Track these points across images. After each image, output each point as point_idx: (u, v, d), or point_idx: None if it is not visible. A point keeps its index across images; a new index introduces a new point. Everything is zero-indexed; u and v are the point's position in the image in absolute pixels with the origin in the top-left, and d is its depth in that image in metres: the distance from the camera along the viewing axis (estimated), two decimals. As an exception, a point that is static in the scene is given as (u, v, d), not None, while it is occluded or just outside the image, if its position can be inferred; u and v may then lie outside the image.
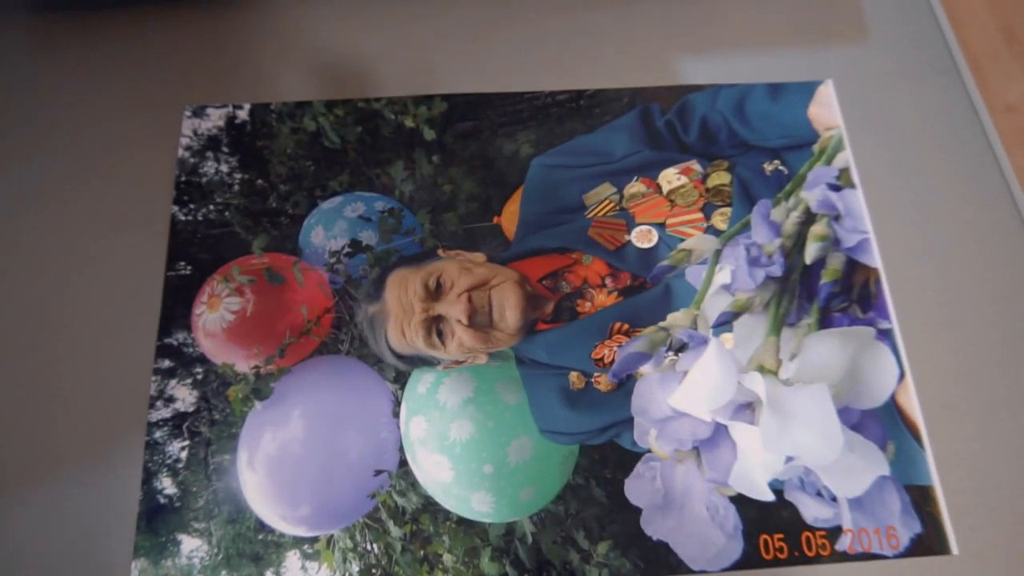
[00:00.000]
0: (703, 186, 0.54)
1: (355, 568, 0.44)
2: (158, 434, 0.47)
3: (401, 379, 0.48)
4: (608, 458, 0.46)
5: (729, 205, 0.53)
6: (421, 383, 0.48)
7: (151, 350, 0.49)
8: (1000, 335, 0.52)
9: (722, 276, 0.52)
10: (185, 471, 0.46)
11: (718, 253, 0.52)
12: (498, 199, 0.53)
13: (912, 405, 0.48)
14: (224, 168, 0.54)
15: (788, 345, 0.49)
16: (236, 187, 0.53)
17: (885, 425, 0.47)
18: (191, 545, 0.45)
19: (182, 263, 0.51)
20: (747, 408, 0.48)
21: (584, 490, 0.46)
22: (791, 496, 0.46)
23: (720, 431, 0.47)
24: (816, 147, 0.55)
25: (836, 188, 0.54)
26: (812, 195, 0.53)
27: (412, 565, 0.44)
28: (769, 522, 0.45)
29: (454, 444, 0.47)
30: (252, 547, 0.44)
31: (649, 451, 0.47)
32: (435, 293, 0.50)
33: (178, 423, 0.47)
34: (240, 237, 0.52)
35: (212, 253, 0.51)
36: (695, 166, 0.54)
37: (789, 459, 0.46)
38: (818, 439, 0.46)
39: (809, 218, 0.53)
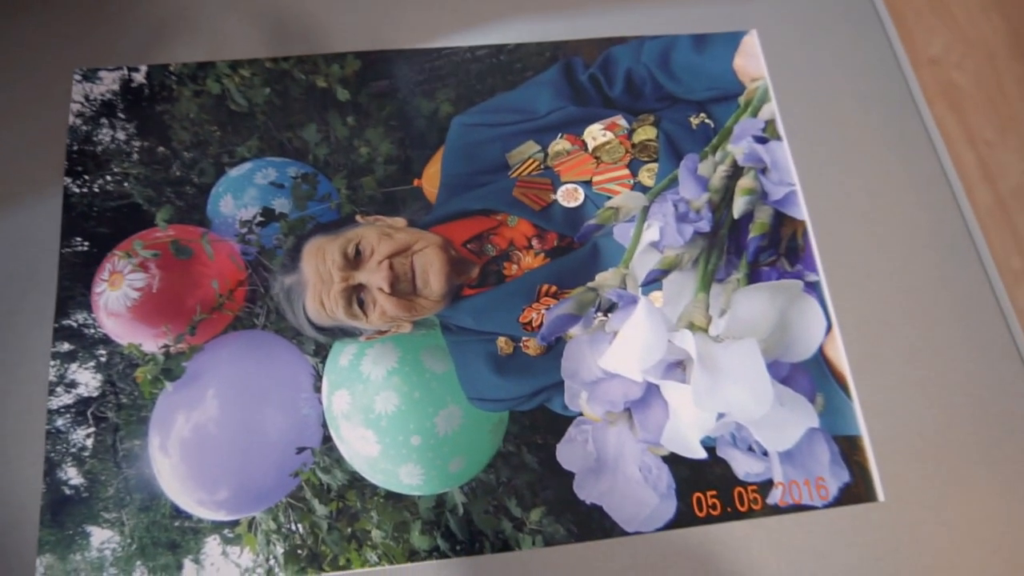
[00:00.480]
0: (629, 142, 0.53)
1: (279, 550, 0.42)
2: (60, 422, 0.44)
3: (322, 352, 0.46)
4: (539, 424, 0.45)
5: (656, 160, 0.52)
6: (343, 355, 0.46)
7: (48, 333, 0.46)
8: (923, 284, 0.53)
9: (650, 233, 0.50)
10: (92, 459, 0.43)
11: (646, 210, 0.51)
12: (418, 161, 0.51)
13: (839, 357, 0.48)
14: (121, 136, 0.50)
15: (718, 301, 0.49)
16: (135, 156, 0.50)
17: (814, 378, 0.47)
18: (102, 537, 0.42)
19: (78, 239, 0.47)
20: (678, 366, 0.47)
21: (515, 457, 0.45)
22: (723, 453, 0.46)
23: (651, 391, 0.47)
24: (742, 99, 0.54)
25: (762, 140, 0.53)
26: (739, 148, 0.52)
27: (340, 543, 0.43)
28: (702, 480, 0.45)
29: (380, 417, 0.45)
30: (168, 535, 0.42)
31: (580, 415, 0.46)
32: (354, 261, 0.48)
33: (82, 409, 0.44)
34: (142, 209, 0.48)
35: (111, 227, 0.48)
36: (620, 121, 0.53)
37: (720, 416, 0.46)
38: (749, 394, 0.46)
39: (736, 172, 0.52)
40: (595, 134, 0.53)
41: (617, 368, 0.46)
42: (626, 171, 0.52)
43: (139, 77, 0.52)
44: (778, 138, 0.53)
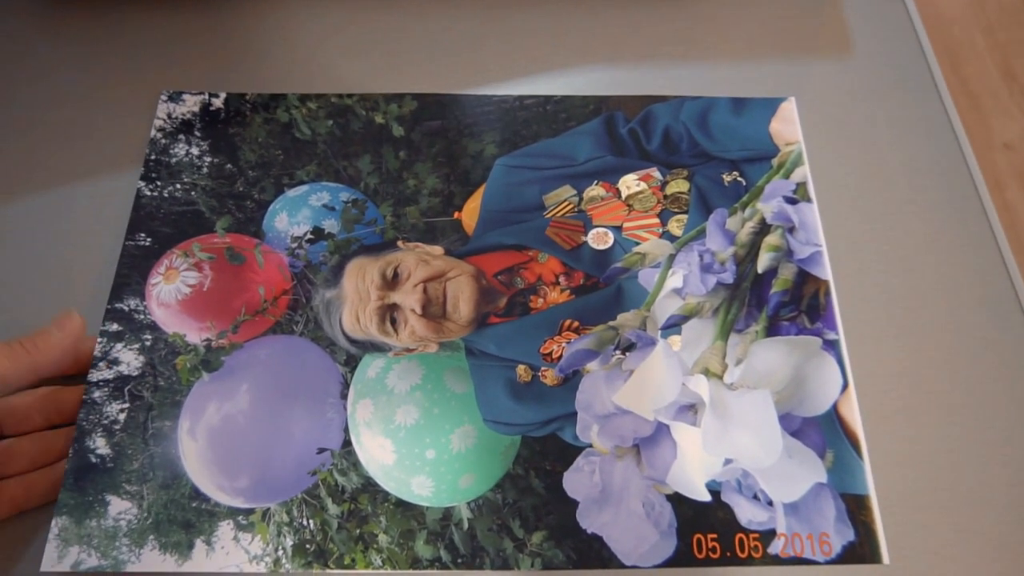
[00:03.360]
0: (661, 193, 0.55)
1: (289, 542, 0.44)
2: (97, 394, 0.47)
3: (352, 363, 0.49)
4: (549, 451, 0.47)
5: (686, 212, 0.54)
6: (371, 368, 0.49)
7: (101, 312, 0.50)
8: (944, 349, 0.53)
9: (674, 280, 0.53)
10: (121, 433, 0.46)
11: (671, 258, 0.53)
12: (460, 195, 0.54)
13: (853, 416, 0.49)
14: (195, 151, 0.55)
15: (735, 350, 0.50)
16: (205, 169, 0.55)
17: (825, 433, 0.48)
18: (119, 507, 0.45)
19: (142, 235, 0.52)
20: (690, 409, 0.49)
21: (523, 480, 0.46)
22: (727, 498, 0.46)
23: (661, 430, 0.48)
24: (775, 161, 0.56)
25: (792, 201, 0.55)
26: (768, 207, 0.54)
27: (347, 543, 0.44)
28: (704, 522, 0.46)
29: (399, 428, 0.47)
30: (184, 514, 0.45)
31: (590, 446, 0.47)
32: (392, 282, 0.51)
33: (120, 386, 0.48)
34: (204, 216, 0.53)
35: (174, 228, 0.52)
36: (655, 173, 0.56)
37: (728, 461, 0.47)
38: (758, 443, 0.47)
39: (764, 228, 0.54)
40: (629, 183, 0.56)
41: (630, 405, 0.48)
42: (656, 220, 0.54)
43: (218, 102, 0.57)
44: (808, 200, 0.54)
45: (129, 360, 0.48)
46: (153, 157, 0.55)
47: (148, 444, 0.46)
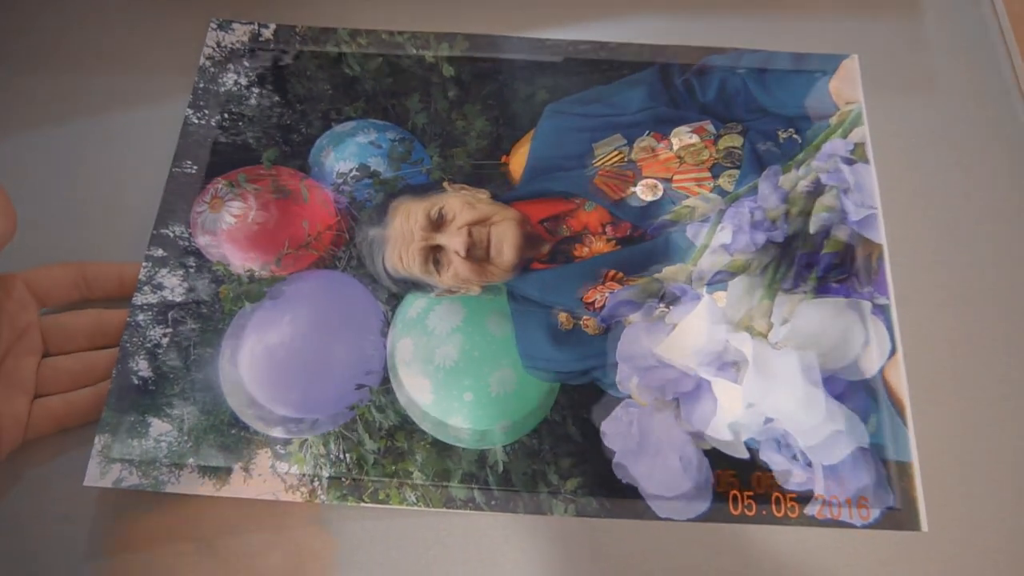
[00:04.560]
0: (714, 146, 0.54)
1: (325, 474, 0.44)
2: (141, 317, 0.48)
3: (393, 301, 0.49)
4: (588, 399, 0.47)
5: (738, 167, 0.53)
6: (412, 307, 0.49)
7: (146, 237, 0.50)
8: (995, 322, 0.51)
9: (723, 236, 0.51)
10: (164, 357, 0.47)
11: (721, 213, 0.52)
12: (509, 140, 0.53)
13: (900, 382, 0.48)
14: (243, 81, 0.55)
15: (781, 309, 0.49)
16: (252, 100, 0.54)
17: (870, 398, 0.47)
18: (161, 429, 0.45)
19: (188, 162, 0.52)
20: (732, 366, 0.48)
21: (560, 427, 0.46)
22: (766, 456, 0.46)
23: (702, 385, 0.47)
24: (833, 119, 0.54)
25: (849, 162, 0.53)
26: (823, 165, 0.53)
27: (382, 479, 0.45)
28: (741, 480, 0.45)
29: (438, 369, 0.47)
30: (224, 440, 0.45)
31: (629, 397, 0.47)
32: (436, 224, 0.50)
33: (163, 310, 0.48)
34: (251, 148, 0.52)
35: (220, 158, 0.52)
36: (708, 126, 0.54)
37: (768, 420, 0.46)
38: (800, 404, 0.46)
39: (818, 188, 0.52)
40: (682, 135, 0.54)
41: (672, 358, 0.47)
42: (707, 173, 0.53)
43: (267, 33, 0.56)
44: (865, 161, 0.53)
45: (173, 286, 0.49)
46: (201, 85, 0.55)
47: (190, 370, 0.47)
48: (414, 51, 0.56)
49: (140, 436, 0.45)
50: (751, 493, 0.45)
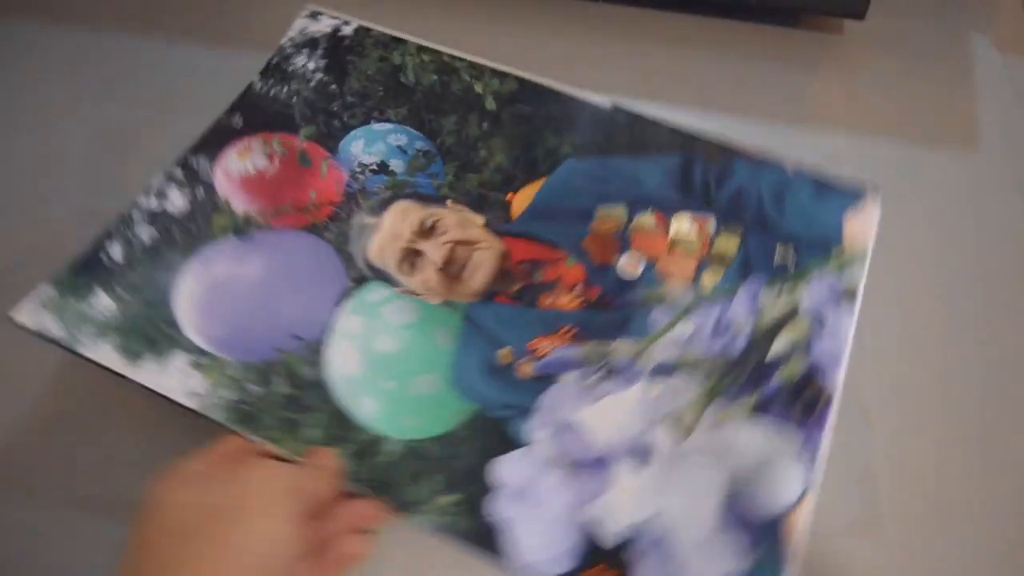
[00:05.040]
0: (709, 246, 0.55)
1: (226, 395, 0.48)
2: (136, 215, 0.54)
3: (360, 282, 0.53)
4: (496, 433, 0.48)
5: (725, 268, 0.54)
6: (375, 292, 0.52)
7: (173, 155, 0.57)
8: (917, 502, 0.50)
9: (683, 328, 0.52)
10: (139, 251, 0.53)
11: (689, 307, 0.53)
12: (520, 181, 0.57)
13: (800, 528, 0.46)
14: (310, 65, 0.61)
15: (712, 417, 0.49)
16: (312, 83, 0.61)
17: (764, 533, 0.46)
18: (104, 302, 0.50)
19: (237, 116, 0.59)
20: (641, 454, 0.48)
21: (460, 445, 0.48)
22: (639, 547, 0.46)
23: (605, 462, 0.48)
24: (835, 252, 0.54)
25: (835, 301, 0.53)
26: (808, 294, 0.53)
27: (278, 422, 0.48)
28: (611, 559, 0.45)
29: (375, 351, 0.50)
30: (154, 332, 0.49)
31: (534, 444, 0.48)
32: (426, 231, 0.54)
33: (157, 215, 0.54)
34: (294, 120, 0.59)
35: (265, 121, 0.59)
36: (710, 225, 0.55)
37: (655, 516, 0.46)
38: (691, 513, 0.46)
39: (792, 314, 0.52)
40: (682, 224, 0.56)
41: (588, 427, 0.48)
42: (693, 266, 0.54)
43: (348, 29, 0.63)
44: (851, 306, 0.52)
45: (176, 200, 0.55)
46: (275, 61, 0.62)
47: (154, 267, 0.52)
48: (467, 79, 0.61)
49: (81, 300, 0.50)
50: (614, 574, 0.45)
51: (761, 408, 0.49)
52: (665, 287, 0.54)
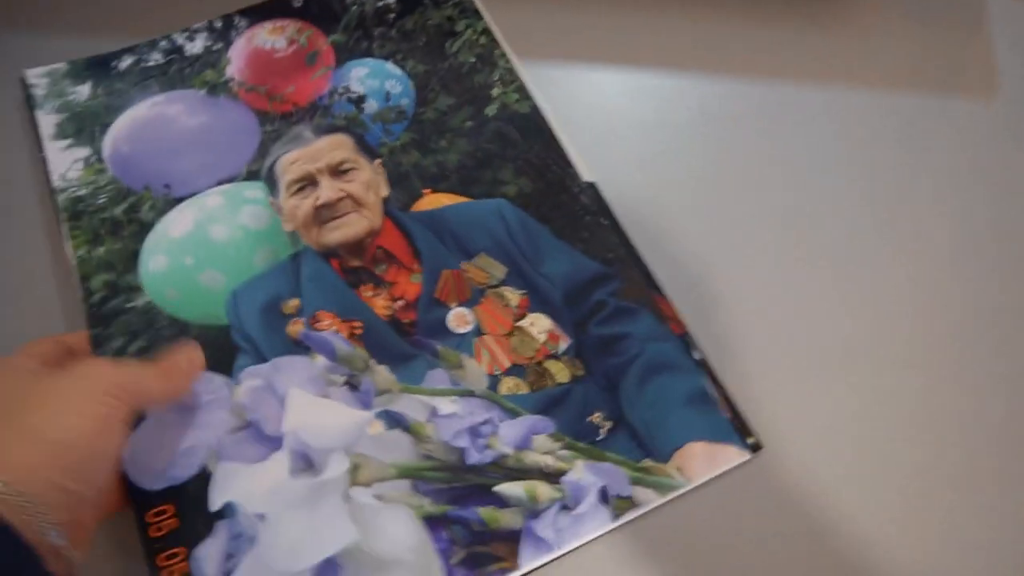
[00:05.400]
0: (543, 359, 0.49)
1: (83, 192, 0.54)
2: (163, 42, 0.61)
3: (251, 176, 0.55)
4: (220, 351, 0.49)
5: (531, 385, 0.48)
6: (252, 190, 0.55)
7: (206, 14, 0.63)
8: None
9: (446, 405, 0.48)
10: (137, 68, 0.60)
11: (471, 396, 0.48)
12: (449, 186, 0.55)
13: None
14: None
15: (389, 489, 0.45)
16: (379, 2, 0.63)
17: None
18: (84, 91, 0.59)
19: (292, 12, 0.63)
20: (305, 463, 0.46)
21: (187, 336, 0.49)
22: (225, 525, 0.44)
23: (272, 443, 0.46)
24: (646, 461, 0.45)
25: (602, 499, 0.45)
26: (583, 473, 0.45)
27: (95, 228, 0.53)
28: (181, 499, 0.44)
29: (205, 231, 0.53)
30: (88, 127, 0.57)
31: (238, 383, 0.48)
32: (336, 172, 0.54)
33: (173, 50, 0.61)
34: (337, 23, 0.62)
35: (318, 12, 0.62)
36: (563, 344, 0.49)
37: (262, 513, 0.44)
38: (297, 540, 0.43)
39: (553, 479, 0.45)
40: (539, 324, 0.50)
41: (290, 408, 0.47)
42: (509, 363, 0.49)
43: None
44: (602, 513, 0.44)
45: (196, 45, 0.61)
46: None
47: (136, 87, 0.59)
48: (494, 78, 0.59)
49: (73, 85, 0.59)
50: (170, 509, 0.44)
51: (436, 521, 0.44)
52: (468, 360, 0.49)
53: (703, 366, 0.49)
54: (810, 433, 0.49)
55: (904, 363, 0.51)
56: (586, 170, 0.55)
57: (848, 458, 0.48)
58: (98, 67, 0.60)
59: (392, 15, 0.62)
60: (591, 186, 0.55)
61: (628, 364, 0.49)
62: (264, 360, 0.49)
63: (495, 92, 0.58)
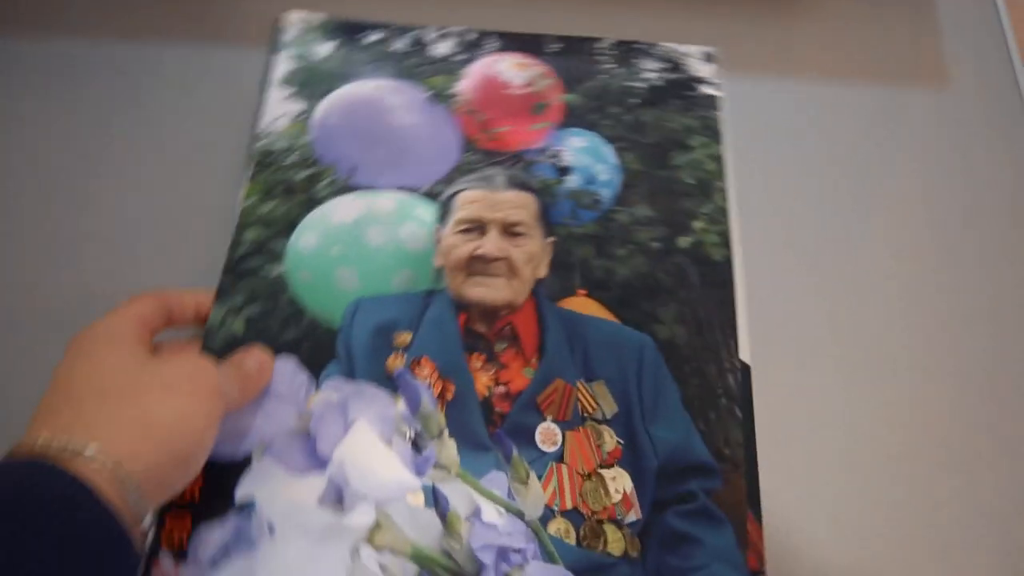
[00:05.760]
0: (608, 529, 0.45)
1: (282, 145, 0.56)
2: (420, 33, 0.62)
3: (431, 196, 0.55)
4: (320, 356, 0.49)
5: (589, 549, 0.45)
6: (426, 211, 0.54)
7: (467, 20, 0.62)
8: None
9: (491, 514, 0.45)
10: (378, 46, 0.61)
11: (520, 515, 0.45)
12: (607, 298, 0.52)
13: None
14: (656, 82, 0.60)
15: (398, 569, 0.43)
16: (633, 94, 0.60)
17: None
18: (323, 50, 0.60)
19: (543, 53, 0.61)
20: (333, 495, 0.45)
21: (300, 327, 0.50)
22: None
23: (314, 465, 0.45)
24: None
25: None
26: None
27: (280, 179, 0.54)
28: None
29: (365, 229, 0.53)
30: (318, 87, 0.58)
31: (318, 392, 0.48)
32: (507, 230, 0.52)
33: (417, 45, 0.61)
34: (582, 84, 0.60)
35: (570, 69, 0.60)
36: (633, 517, 0.46)
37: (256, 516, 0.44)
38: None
39: None
40: (616, 487, 0.46)
41: (350, 437, 0.46)
42: (574, 507, 0.45)
43: (711, 91, 0.60)
44: None
45: (442, 48, 0.61)
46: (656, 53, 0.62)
47: (370, 62, 0.60)
48: (704, 211, 0.55)
49: (317, 43, 0.61)
50: None
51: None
52: (535, 481, 0.46)
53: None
54: None
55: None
56: (748, 350, 0.51)
57: None
58: (347, 32, 0.61)
59: (635, 100, 0.59)
60: (744, 368, 0.50)
61: (686, 574, 0.45)
62: (352, 378, 0.48)
63: (697, 225, 0.54)
